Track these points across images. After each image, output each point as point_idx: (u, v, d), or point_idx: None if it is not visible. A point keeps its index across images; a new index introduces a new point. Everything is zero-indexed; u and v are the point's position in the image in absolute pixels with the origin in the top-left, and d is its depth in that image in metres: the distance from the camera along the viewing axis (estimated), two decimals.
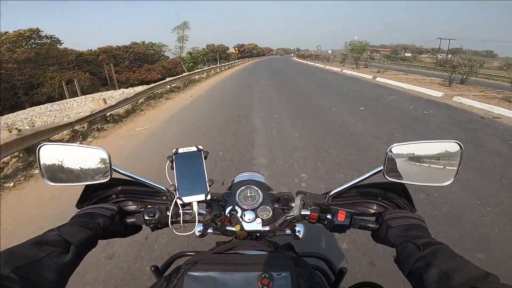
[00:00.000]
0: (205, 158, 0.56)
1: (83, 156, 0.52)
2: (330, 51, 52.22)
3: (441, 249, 0.41)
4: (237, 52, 43.39)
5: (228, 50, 70.50)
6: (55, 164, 0.51)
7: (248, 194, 0.68)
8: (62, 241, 0.42)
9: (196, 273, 0.43)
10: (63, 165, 0.52)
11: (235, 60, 39.97)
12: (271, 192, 0.73)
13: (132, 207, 0.65)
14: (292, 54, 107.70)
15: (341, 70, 17.58)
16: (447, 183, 0.52)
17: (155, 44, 30.91)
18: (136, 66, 45.82)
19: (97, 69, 41.31)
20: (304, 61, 37.79)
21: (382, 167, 0.52)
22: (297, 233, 0.65)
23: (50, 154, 0.51)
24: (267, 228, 0.63)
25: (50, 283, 0.36)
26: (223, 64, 26.35)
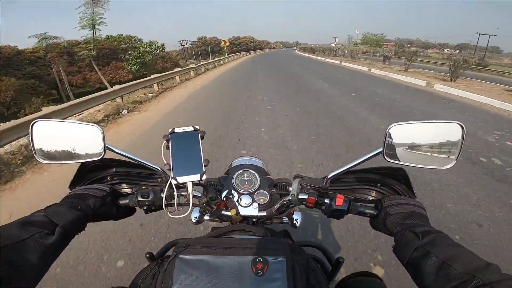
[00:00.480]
0: (202, 138, 0.56)
1: (76, 133, 0.53)
2: (333, 45, 43.14)
3: (440, 238, 0.42)
4: (227, 44, 33.51)
5: (221, 44, 63.08)
6: (48, 141, 0.52)
7: (245, 178, 0.68)
8: (48, 222, 0.41)
9: (187, 256, 0.43)
10: (56, 142, 0.52)
11: (227, 55, 29.22)
12: (269, 176, 0.73)
13: (127, 189, 0.66)
14: (295, 47, 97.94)
15: (429, 83, 9.18)
16: (449, 166, 0.52)
17: (134, 37, 21.17)
18: (102, 64, 35.73)
19: (46, 70, 31.22)
20: (318, 57, 29.18)
21: (381, 149, 0.52)
22: (294, 221, 0.66)
23: (43, 130, 0.52)
24: (263, 214, 0.63)
25: (32, 265, 0.36)
26: (196, 66, 16.10)
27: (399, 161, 0.52)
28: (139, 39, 28.53)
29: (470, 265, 0.35)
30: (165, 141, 0.55)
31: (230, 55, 30.60)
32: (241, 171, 0.70)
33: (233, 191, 0.65)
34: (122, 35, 37.55)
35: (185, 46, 58.26)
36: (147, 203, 0.55)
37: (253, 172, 0.69)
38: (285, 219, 0.68)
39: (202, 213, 0.66)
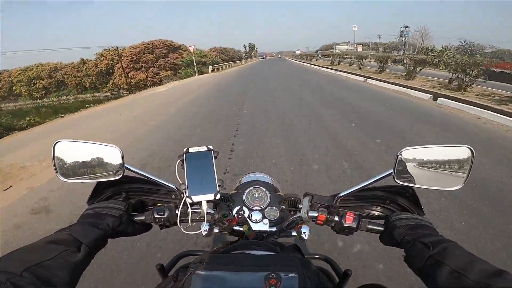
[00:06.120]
0: (215, 158, 0.58)
1: (96, 153, 0.55)
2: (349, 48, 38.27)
3: (451, 247, 0.43)
4: None
5: None
6: (69, 160, 0.54)
7: (256, 195, 0.71)
8: (73, 241, 0.44)
9: (203, 272, 0.45)
10: (77, 161, 0.54)
11: None
12: (278, 193, 0.76)
13: (140, 205, 0.68)
14: (280, 56, 79.05)
15: None
16: (457, 187, 0.53)
17: None
18: None
19: None
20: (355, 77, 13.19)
21: (392, 170, 0.54)
22: (302, 235, 0.68)
23: (65, 150, 0.54)
24: (274, 229, 0.66)
25: (62, 281, 0.38)
26: None
27: (409, 182, 0.54)
28: None
29: (483, 274, 0.36)
30: (179, 160, 0.57)
31: None
32: (251, 188, 0.72)
33: (244, 207, 0.67)
34: None
35: None
36: (162, 219, 0.57)
37: (264, 189, 0.71)
38: (293, 233, 0.70)
39: (211, 226, 0.68)
